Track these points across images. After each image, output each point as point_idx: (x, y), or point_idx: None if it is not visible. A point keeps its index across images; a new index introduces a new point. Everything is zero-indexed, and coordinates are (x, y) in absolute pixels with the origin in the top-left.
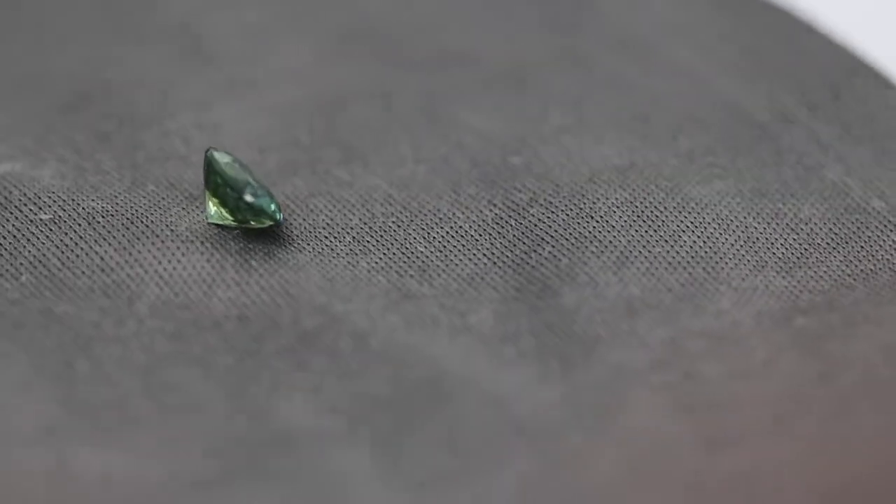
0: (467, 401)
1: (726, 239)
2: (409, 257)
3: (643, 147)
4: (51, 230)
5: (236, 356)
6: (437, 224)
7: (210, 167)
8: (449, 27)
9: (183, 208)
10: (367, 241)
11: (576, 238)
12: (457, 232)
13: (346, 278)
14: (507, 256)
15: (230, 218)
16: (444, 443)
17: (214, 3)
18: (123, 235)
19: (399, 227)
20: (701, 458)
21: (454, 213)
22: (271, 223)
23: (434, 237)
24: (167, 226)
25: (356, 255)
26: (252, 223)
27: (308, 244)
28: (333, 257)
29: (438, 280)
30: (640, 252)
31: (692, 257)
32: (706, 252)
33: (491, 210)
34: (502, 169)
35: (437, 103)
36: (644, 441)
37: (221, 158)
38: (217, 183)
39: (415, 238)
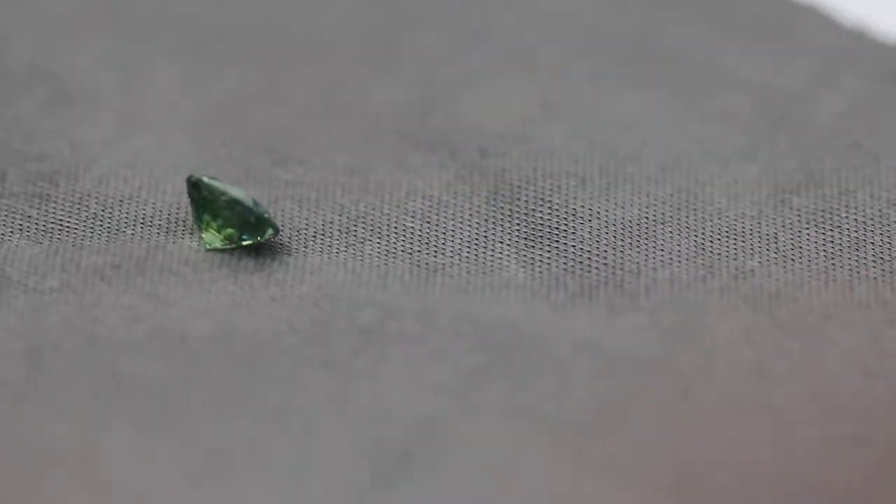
0: (558, 351)
1: (682, 145)
2: (404, 235)
3: (549, 82)
4: (66, 295)
5: (314, 366)
6: (407, 198)
7: (201, 192)
8: (294, 19)
9: (173, 242)
10: (356, 230)
11: (549, 177)
12: (430, 200)
13: (366, 267)
14: (493, 210)
15: (227, 241)
16: (565, 394)
17: (57, 47)
18: (141, 281)
19: (374, 209)
20: (794, 344)
21: (416, 184)
22: (273, 233)
23: (414, 211)
24: (176, 261)
25: (355, 245)
26: (258, 238)
27: (307, 246)
28: (338, 252)
29: (448, 249)
30: (616, 176)
31: (664, 169)
32: (672, 161)
33: (447, 172)
34: (430, 132)
35: (325, 89)
36: (742, 340)
37: (209, 181)
38: (215, 205)
39: (395, 216)
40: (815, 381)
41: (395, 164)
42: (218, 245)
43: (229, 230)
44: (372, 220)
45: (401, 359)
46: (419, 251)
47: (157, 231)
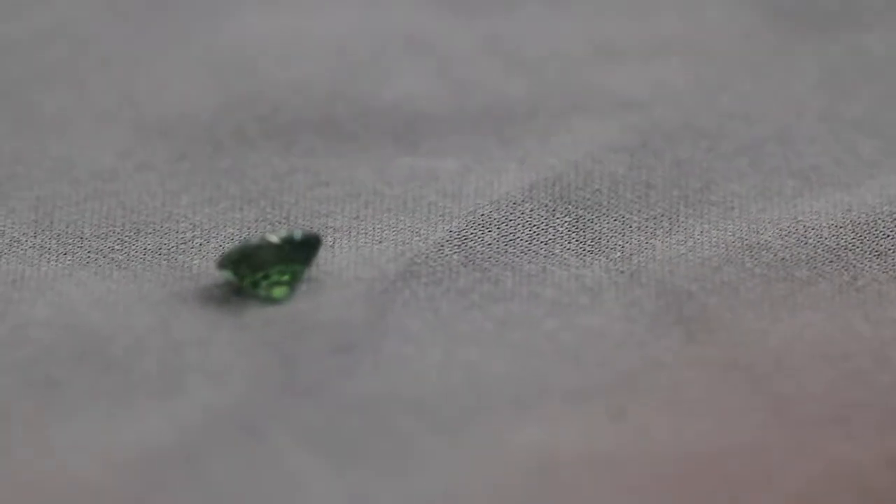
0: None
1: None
2: (361, 204)
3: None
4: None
5: (489, 323)
6: (329, 173)
7: (252, 257)
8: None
9: (250, 316)
10: (328, 222)
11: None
12: (343, 171)
13: (390, 243)
14: (393, 150)
15: (292, 283)
16: (696, 245)
17: None
18: (311, 348)
19: (305, 200)
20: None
21: (306, 166)
22: (318, 243)
23: (343, 180)
24: (292, 324)
25: (348, 233)
26: (305, 263)
27: (326, 250)
28: (348, 243)
29: (458, 219)
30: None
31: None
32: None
33: (324, 141)
34: (335, 111)
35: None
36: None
37: (243, 245)
38: (277, 257)
39: (338, 196)
40: None
41: (280, 147)
42: (286, 291)
43: (296, 268)
44: (325, 208)
45: (547, 278)
46: (393, 209)
47: (232, 319)
